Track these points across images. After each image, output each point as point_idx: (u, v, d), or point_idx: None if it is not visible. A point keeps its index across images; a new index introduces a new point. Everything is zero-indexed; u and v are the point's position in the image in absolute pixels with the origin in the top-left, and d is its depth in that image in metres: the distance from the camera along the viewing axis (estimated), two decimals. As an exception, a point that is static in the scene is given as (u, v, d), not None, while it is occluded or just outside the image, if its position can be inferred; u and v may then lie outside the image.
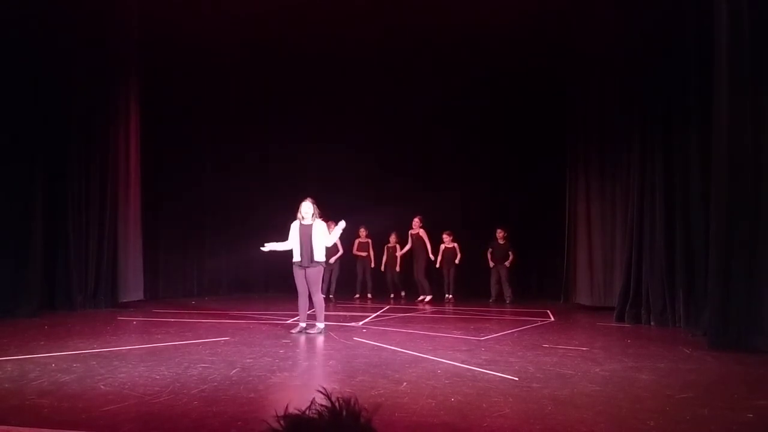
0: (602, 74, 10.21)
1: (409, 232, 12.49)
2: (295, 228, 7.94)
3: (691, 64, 8.15)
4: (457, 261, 12.27)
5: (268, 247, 8.02)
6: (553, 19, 11.14)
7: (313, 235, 7.83)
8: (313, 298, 7.91)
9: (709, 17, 7.20)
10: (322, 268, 8.10)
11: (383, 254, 12.72)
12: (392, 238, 12.65)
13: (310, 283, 7.85)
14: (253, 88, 12.99)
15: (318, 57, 12.59)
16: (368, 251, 12.71)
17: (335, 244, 11.98)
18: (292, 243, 7.90)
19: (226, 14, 11.07)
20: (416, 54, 12.45)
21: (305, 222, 7.90)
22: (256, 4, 10.84)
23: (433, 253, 12.34)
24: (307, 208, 7.92)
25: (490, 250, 12.32)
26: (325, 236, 7.98)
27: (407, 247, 12.47)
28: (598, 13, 10.26)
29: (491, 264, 12.29)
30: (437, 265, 12.34)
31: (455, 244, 12.33)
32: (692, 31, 8.12)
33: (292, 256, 7.93)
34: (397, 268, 12.59)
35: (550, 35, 11.55)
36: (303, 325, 7.93)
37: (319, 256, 7.88)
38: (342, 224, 8.15)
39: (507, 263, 12.11)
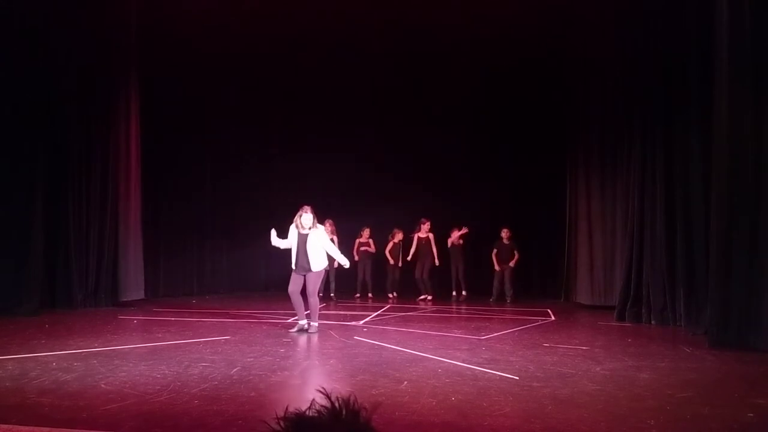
0: (603, 72, 10.19)
1: (417, 234, 12.45)
2: (293, 234, 7.94)
3: (692, 61, 8.15)
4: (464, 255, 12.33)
5: (274, 239, 8.03)
6: (554, 18, 11.13)
7: (309, 244, 7.83)
8: (309, 299, 7.91)
9: (709, 13, 7.19)
10: (323, 272, 8.13)
11: (387, 248, 12.67)
12: (398, 234, 12.62)
13: (308, 285, 7.88)
14: (255, 87, 12.98)
15: (320, 56, 12.59)
16: (371, 250, 12.69)
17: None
18: (291, 245, 7.94)
19: (226, 14, 11.07)
20: (418, 54, 12.44)
21: (303, 231, 7.90)
22: (257, 4, 10.85)
23: (439, 257, 12.35)
24: (306, 219, 7.88)
25: (495, 251, 12.29)
26: (326, 244, 8.03)
27: (412, 251, 12.44)
28: (599, 10, 10.24)
29: (497, 267, 12.23)
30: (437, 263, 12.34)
31: (462, 241, 12.35)
32: (693, 28, 8.11)
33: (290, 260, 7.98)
34: (400, 263, 12.57)
35: (552, 33, 11.55)
36: (302, 323, 7.94)
37: (317, 265, 7.88)
38: (345, 262, 8.46)
39: (512, 263, 12.10)
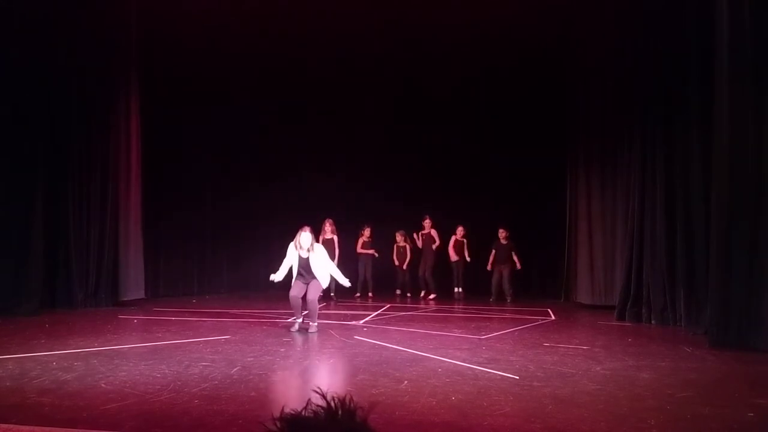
0: (603, 72, 10.19)
1: (420, 232, 12.53)
2: (293, 255, 7.98)
3: (693, 60, 8.15)
4: (467, 258, 12.45)
5: (278, 277, 8.06)
6: (554, 18, 11.13)
7: (312, 265, 7.92)
8: (308, 305, 7.91)
9: (709, 13, 7.19)
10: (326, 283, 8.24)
11: (393, 252, 12.75)
12: (399, 238, 12.66)
13: (309, 293, 7.91)
14: (254, 86, 12.98)
15: (320, 55, 12.60)
16: (371, 250, 12.70)
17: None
18: (291, 264, 7.99)
19: (226, 14, 11.07)
20: (418, 54, 12.45)
21: (303, 254, 7.94)
22: (257, 4, 10.85)
23: (440, 249, 12.48)
24: (305, 240, 7.93)
25: (494, 251, 12.31)
26: (326, 262, 8.09)
27: (419, 245, 12.53)
28: (599, 10, 10.23)
29: (489, 267, 12.27)
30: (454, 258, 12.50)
31: (465, 240, 12.47)
32: (693, 27, 8.11)
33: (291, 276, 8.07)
34: (405, 266, 12.65)
35: (552, 33, 11.55)
36: (300, 320, 7.98)
37: (323, 281, 7.99)
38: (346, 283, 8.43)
39: (517, 265, 12.11)
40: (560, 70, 11.81)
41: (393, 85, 13.05)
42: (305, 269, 7.95)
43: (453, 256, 12.47)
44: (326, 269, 8.05)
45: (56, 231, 9.78)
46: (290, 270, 8.11)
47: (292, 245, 8.02)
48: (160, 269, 12.06)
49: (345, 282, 8.40)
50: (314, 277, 7.95)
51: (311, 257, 7.93)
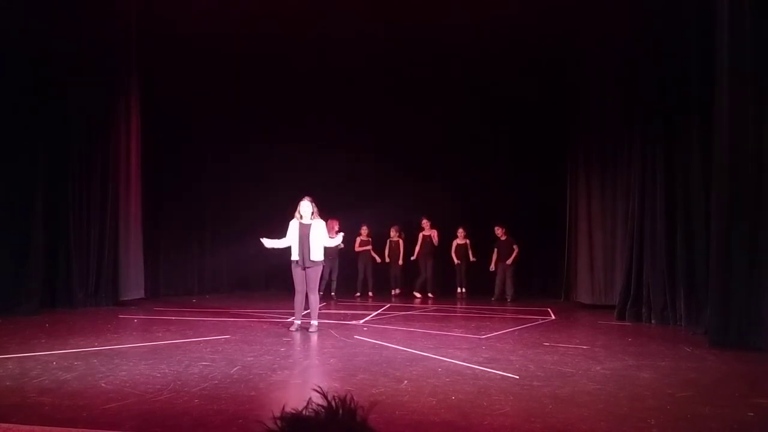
0: (603, 72, 10.19)
1: (421, 233, 12.56)
2: (294, 227, 7.93)
3: (693, 60, 8.16)
4: (472, 258, 12.56)
5: (268, 243, 8.00)
6: (555, 17, 11.13)
7: (311, 235, 7.83)
8: (310, 296, 7.91)
9: (710, 13, 7.20)
10: (321, 267, 8.13)
11: (386, 248, 12.77)
12: (393, 233, 12.69)
13: (309, 282, 7.86)
14: (254, 86, 12.97)
15: (319, 55, 12.59)
16: (369, 248, 12.72)
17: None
18: (291, 241, 7.91)
19: (226, 13, 11.08)
20: (417, 52, 12.45)
21: (304, 221, 7.89)
22: (257, 4, 10.85)
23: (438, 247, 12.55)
24: (306, 207, 7.91)
25: (496, 250, 12.33)
26: (324, 237, 8.00)
27: (417, 249, 12.56)
28: (600, 9, 10.24)
29: (492, 267, 12.30)
30: (456, 261, 12.56)
31: (467, 241, 12.51)
32: (693, 26, 8.12)
33: (290, 254, 7.94)
34: (400, 262, 12.66)
35: (552, 32, 11.55)
36: (298, 323, 7.94)
37: (317, 255, 7.87)
38: (339, 240, 8.53)
39: (509, 260, 12.10)
40: (560, 70, 11.82)
41: (392, 85, 13.04)
42: (304, 240, 7.77)
43: (455, 260, 12.52)
44: (323, 242, 7.95)
45: (56, 231, 9.78)
46: (286, 257, 8.01)
47: (292, 222, 7.96)
48: (160, 269, 12.07)
49: (338, 240, 8.45)
50: (311, 258, 7.79)
51: (312, 225, 7.85)
